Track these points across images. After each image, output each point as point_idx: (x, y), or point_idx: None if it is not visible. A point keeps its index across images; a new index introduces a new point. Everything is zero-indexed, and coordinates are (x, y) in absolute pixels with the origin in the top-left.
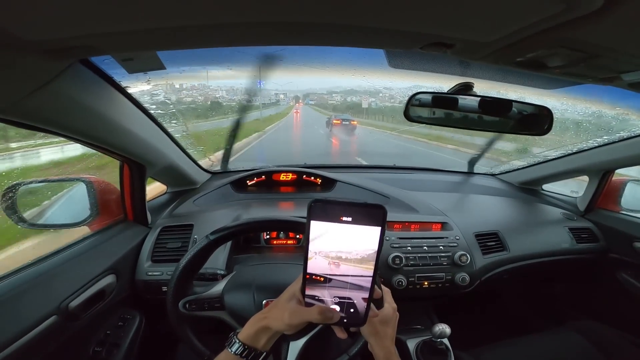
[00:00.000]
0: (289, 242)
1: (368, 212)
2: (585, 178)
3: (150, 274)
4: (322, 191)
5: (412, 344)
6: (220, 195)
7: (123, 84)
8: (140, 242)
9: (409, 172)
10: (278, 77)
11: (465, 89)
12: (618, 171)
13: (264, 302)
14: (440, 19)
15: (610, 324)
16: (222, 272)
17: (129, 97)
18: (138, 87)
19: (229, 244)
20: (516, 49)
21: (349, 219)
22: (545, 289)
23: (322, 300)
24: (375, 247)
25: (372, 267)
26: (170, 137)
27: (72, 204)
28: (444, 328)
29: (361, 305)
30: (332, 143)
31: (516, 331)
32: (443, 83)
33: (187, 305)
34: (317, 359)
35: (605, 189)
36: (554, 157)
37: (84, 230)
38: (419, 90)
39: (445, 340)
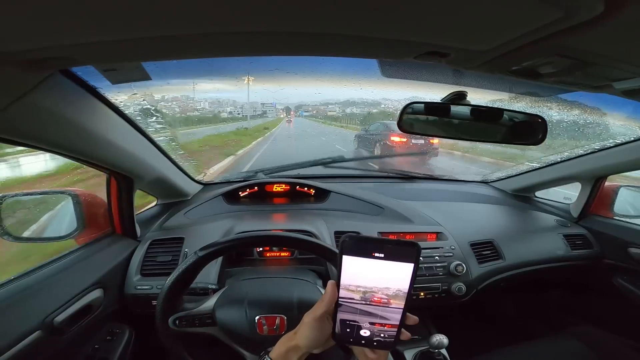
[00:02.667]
0: (283, 254)
1: (401, 249)
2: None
3: (139, 287)
4: (315, 202)
5: (409, 354)
6: (212, 207)
7: (106, 94)
8: (128, 256)
9: (403, 181)
10: (268, 87)
11: (459, 98)
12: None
13: (257, 318)
14: (435, 28)
15: (609, 329)
16: (214, 287)
17: (113, 108)
18: (120, 98)
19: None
20: (512, 58)
21: (381, 255)
22: (542, 296)
23: (352, 325)
24: (407, 283)
25: (403, 302)
26: (158, 148)
27: (58, 217)
28: (441, 339)
29: (390, 331)
30: None
31: (514, 339)
32: (438, 92)
33: (177, 322)
34: None
35: (598, 195)
36: (546, 164)
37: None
38: (413, 101)
39: (444, 351)
